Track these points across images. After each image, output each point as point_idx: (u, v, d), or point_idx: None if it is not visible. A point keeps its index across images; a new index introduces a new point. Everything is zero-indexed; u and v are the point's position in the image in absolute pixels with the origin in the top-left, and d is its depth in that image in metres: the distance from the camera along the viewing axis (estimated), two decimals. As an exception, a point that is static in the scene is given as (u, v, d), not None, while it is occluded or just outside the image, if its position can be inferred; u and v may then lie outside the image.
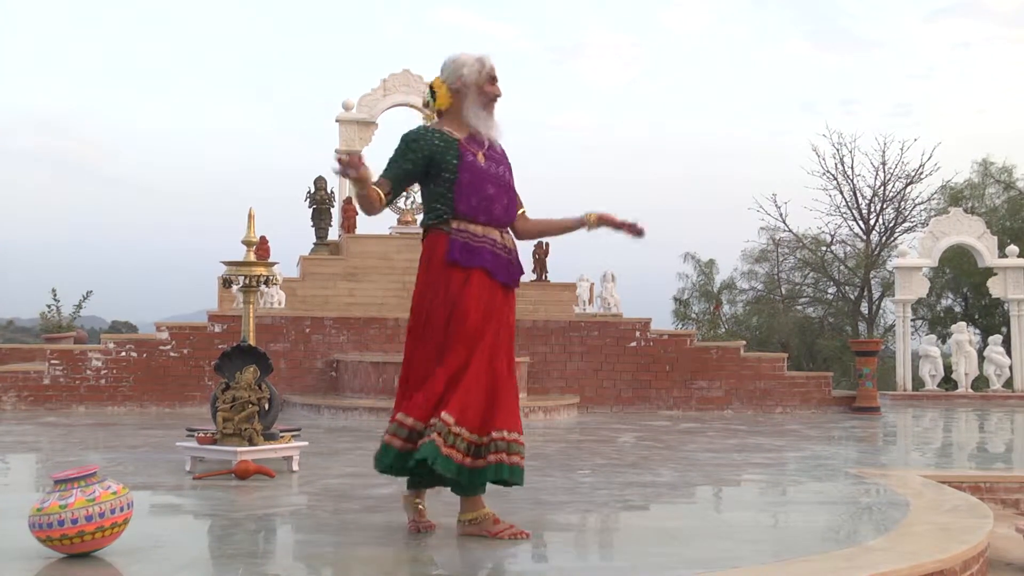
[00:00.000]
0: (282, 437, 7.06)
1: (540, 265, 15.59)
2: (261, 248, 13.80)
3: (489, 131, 4.96)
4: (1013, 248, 18.02)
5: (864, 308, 31.50)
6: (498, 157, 5.01)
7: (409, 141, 4.95)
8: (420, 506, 5.05)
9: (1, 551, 4.35)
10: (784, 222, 32.11)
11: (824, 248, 32.29)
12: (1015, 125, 48.90)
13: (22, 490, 6.40)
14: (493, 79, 4.97)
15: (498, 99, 4.98)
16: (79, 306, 15.66)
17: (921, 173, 30.34)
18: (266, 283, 7.84)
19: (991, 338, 18.12)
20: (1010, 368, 17.35)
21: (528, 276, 15.48)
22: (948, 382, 17.94)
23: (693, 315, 33.66)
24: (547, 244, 15.57)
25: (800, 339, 31.62)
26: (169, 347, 12.98)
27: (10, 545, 4.41)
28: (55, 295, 15.55)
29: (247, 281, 7.57)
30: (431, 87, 5.03)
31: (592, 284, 15.37)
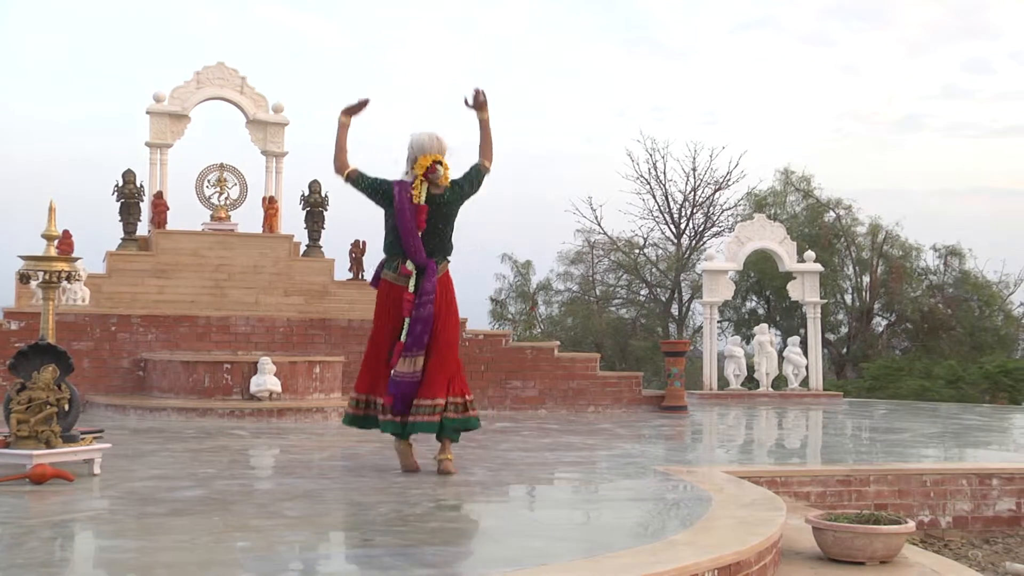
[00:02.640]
0: (83, 439, 6.77)
1: (356, 264, 15.46)
2: (64, 243, 13.23)
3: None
4: (810, 254, 18.96)
5: (675, 310, 32.56)
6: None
7: None
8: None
9: None
10: (599, 225, 32.89)
11: (637, 251, 33.20)
12: (812, 136, 51.45)
13: None
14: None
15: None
16: None
17: (729, 180, 31.62)
18: (68, 279, 7.50)
19: (790, 339, 19.02)
20: (806, 368, 18.24)
21: (344, 275, 15.35)
22: (751, 381, 18.73)
23: (510, 315, 34.03)
24: (363, 243, 15.46)
25: (614, 340, 32.40)
26: (-39, 345, 12.28)
27: None
28: None
29: (47, 276, 7.22)
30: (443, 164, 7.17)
31: (410, 284, 15.32)
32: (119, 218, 14.69)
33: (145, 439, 9.24)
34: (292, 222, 15.76)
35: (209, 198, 15.33)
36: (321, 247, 15.45)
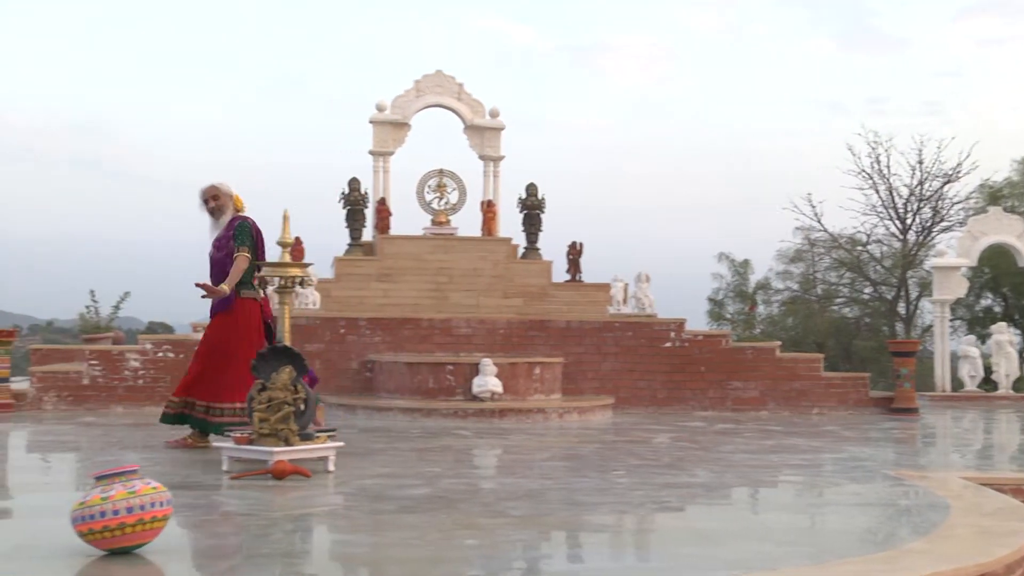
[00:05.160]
0: (318, 438, 7.08)
1: (574, 265, 15.55)
2: (295, 249, 13.87)
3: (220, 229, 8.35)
4: (1054, 247, 17.79)
5: (901, 308, 31.22)
6: (217, 244, 8.35)
7: None
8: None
9: (42, 550, 4.40)
10: (819, 222, 31.88)
11: (860, 248, 32.03)
12: (1055, 123, 48.23)
13: (62, 489, 6.46)
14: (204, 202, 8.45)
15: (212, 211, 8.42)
16: (117, 307, 15.79)
17: (959, 172, 30.03)
18: (301, 284, 7.88)
19: (1032, 338, 17.92)
20: (1051, 369, 17.13)
21: (562, 276, 15.47)
22: (988, 383, 17.74)
23: (728, 315, 33.44)
24: (580, 244, 15.53)
25: (836, 340, 31.37)
26: (205, 348, 13.07)
27: (51, 544, 4.45)
28: (93, 296, 15.70)
29: (283, 282, 7.60)
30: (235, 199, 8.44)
31: (626, 285, 15.31)
32: (345, 224, 15.27)
33: (373, 438, 9.57)
34: (510, 225, 16.00)
35: (430, 203, 15.74)
36: (539, 249, 15.61)
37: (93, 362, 12.67)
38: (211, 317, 8.42)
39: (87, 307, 15.59)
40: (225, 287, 8.04)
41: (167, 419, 8.35)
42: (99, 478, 4.33)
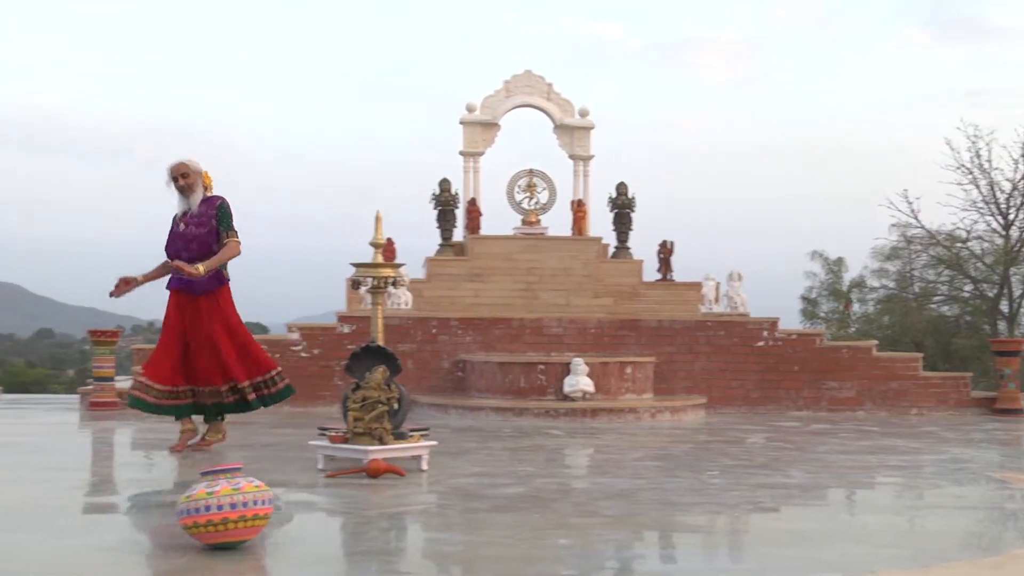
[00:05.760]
0: (411, 436, 7.16)
1: (664, 264, 15.45)
2: (387, 250, 14.02)
3: (192, 206, 8.10)
4: None
5: (1004, 306, 30.37)
6: (195, 221, 8.06)
7: None
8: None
9: (147, 544, 4.52)
10: (916, 218, 31.16)
11: (959, 245, 31.23)
12: None
13: (165, 485, 6.63)
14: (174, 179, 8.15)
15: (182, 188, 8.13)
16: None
17: (1066, 165, 29.05)
18: (394, 284, 7.96)
19: None
20: None
21: (652, 275, 15.38)
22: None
23: (822, 314, 32.91)
24: (671, 243, 15.43)
25: (935, 339, 30.64)
26: (300, 348, 13.29)
27: (155, 538, 4.57)
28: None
29: (376, 282, 7.69)
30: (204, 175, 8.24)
31: (717, 283, 15.16)
32: (436, 225, 15.39)
33: (466, 437, 9.63)
34: (600, 224, 15.96)
35: (520, 203, 15.78)
36: (629, 248, 15.55)
37: (192, 362, 12.94)
38: (193, 294, 8.13)
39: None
40: (202, 268, 7.85)
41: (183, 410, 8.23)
42: (205, 473, 4.44)
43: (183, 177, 8.14)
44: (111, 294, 8.14)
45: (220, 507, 4.28)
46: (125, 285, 8.08)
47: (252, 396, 8.14)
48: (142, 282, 8.12)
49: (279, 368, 8.36)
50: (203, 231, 8.06)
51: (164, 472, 7.46)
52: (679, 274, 15.41)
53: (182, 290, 8.12)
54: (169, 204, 8.28)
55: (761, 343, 14.09)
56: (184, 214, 8.15)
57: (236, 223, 8.14)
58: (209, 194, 8.24)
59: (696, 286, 15.17)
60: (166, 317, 8.23)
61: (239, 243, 8.08)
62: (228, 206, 8.15)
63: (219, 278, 8.12)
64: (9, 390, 17.75)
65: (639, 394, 12.71)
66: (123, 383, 13.16)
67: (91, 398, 12.43)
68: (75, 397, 13.65)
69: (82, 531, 5.04)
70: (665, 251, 15.49)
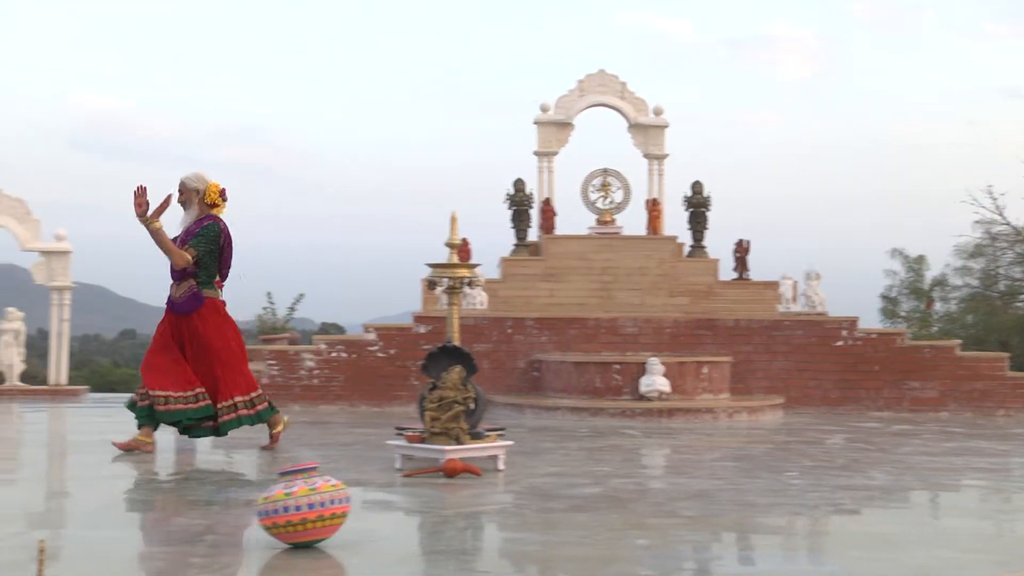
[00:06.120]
0: (488, 436, 7.18)
1: (741, 263, 15.31)
2: (462, 250, 14.08)
3: (186, 221, 8.18)
4: None
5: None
6: (186, 237, 8.10)
7: None
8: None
9: (231, 540, 4.60)
10: (1001, 215, 30.45)
11: (1048, 242, 30.44)
12: None
13: (246, 484, 6.74)
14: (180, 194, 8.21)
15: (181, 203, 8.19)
16: (292, 308, 16.38)
17: None
18: (469, 284, 7.99)
19: None
20: None
21: (728, 274, 15.25)
22: None
23: (902, 313, 32.32)
24: (747, 242, 15.28)
25: (1021, 338, 29.92)
26: (376, 348, 13.41)
27: (238, 535, 4.64)
28: (270, 298, 16.30)
29: (452, 283, 7.73)
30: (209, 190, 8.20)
31: (795, 282, 14.98)
32: (511, 225, 15.42)
33: (542, 437, 9.64)
34: (675, 223, 15.86)
35: (594, 202, 15.74)
36: (705, 247, 15.43)
37: (271, 362, 13.16)
38: (178, 314, 8.16)
39: (264, 308, 16.21)
40: (157, 222, 7.85)
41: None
42: (283, 473, 4.50)
43: (180, 193, 8.21)
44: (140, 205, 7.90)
45: (298, 508, 4.34)
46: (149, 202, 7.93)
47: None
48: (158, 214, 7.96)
49: (248, 396, 8.20)
50: (182, 246, 8.11)
51: (245, 469, 7.58)
52: (755, 273, 15.26)
53: (170, 308, 8.25)
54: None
55: (840, 343, 13.89)
56: (183, 229, 8.23)
57: (210, 247, 8.05)
58: (217, 212, 8.23)
59: (773, 285, 15.01)
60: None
61: (188, 260, 8.00)
62: (213, 231, 8.09)
63: (196, 299, 8.11)
64: (96, 389, 18.18)
65: (716, 394, 12.60)
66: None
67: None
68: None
69: (166, 527, 5.15)
70: (741, 250, 15.34)
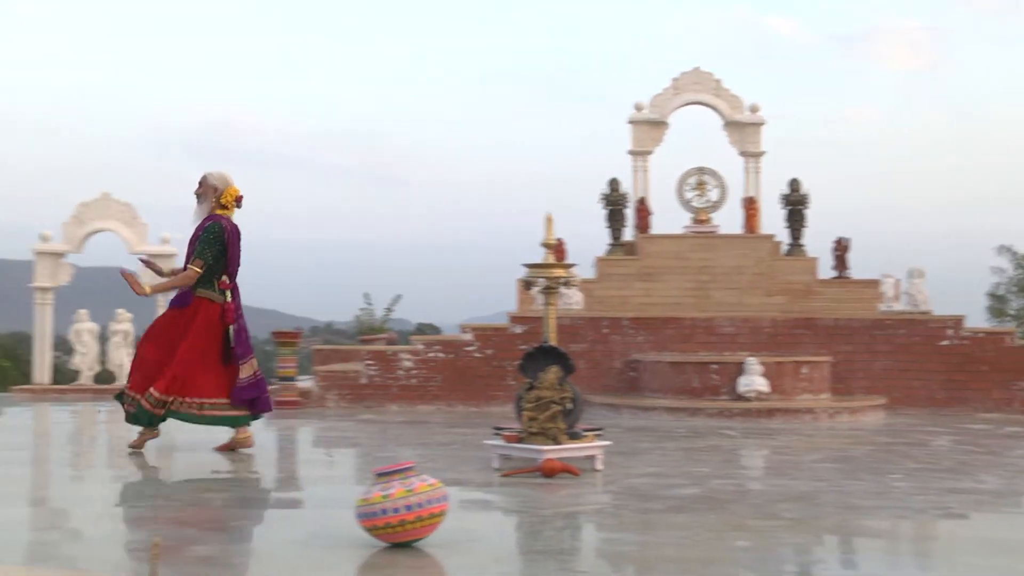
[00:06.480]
0: (585, 436, 7.17)
1: (840, 262, 15.04)
2: (558, 250, 14.08)
3: (198, 216, 8.10)
4: None
5: None
6: (194, 232, 8.05)
7: None
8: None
9: (332, 539, 4.67)
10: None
11: None
12: None
13: (346, 483, 6.84)
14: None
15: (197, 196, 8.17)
16: (389, 309, 16.54)
17: None
18: (565, 285, 7.99)
19: None
20: None
21: (827, 273, 15.00)
22: None
23: (1011, 312, 31.40)
24: (847, 240, 15.01)
25: None
26: (473, 348, 13.48)
27: (339, 534, 4.71)
28: (368, 299, 16.48)
29: (547, 283, 7.73)
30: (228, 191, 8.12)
31: (897, 280, 14.67)
32: (606, 224, 15.38)
33: (639, 437, 9.59)
34: (773, 221, 15.65)
35: (689, 201, 15.61)
36: (803, 246, 15.20)
37: (369, 362, 13.32)
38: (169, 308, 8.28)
39: (362, 309, 16.39)
40: (148, 289, 7.94)
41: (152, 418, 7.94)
42: (379, 474, 4.55)
43: (199, 186, 8.14)
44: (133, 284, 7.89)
45: (396, 510, 4.38)
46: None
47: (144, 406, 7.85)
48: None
49: (215, 401, 7.94)
50: (191, 247, 8.05)
51: (345, 469, 7.69)
52: (855, 271, 15.00)
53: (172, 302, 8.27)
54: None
55: (946, 342, 13.55)
56: (196, 224, 8.15)
57: (215, 249, 7.90)
58: (228, 212, 8.11)
59: (874, 283, 14.73)
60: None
61: (196, 273, 7.88)
62: (215, 231, 7.94)
63: (183, 298, 8.04)
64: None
65: (816, 394, 12.40)
66: (305, 382, 13.63)
67: (275, 397, 12.91)
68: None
69: (270, 526, 5.25)
70: (840, 248, 15.09)
